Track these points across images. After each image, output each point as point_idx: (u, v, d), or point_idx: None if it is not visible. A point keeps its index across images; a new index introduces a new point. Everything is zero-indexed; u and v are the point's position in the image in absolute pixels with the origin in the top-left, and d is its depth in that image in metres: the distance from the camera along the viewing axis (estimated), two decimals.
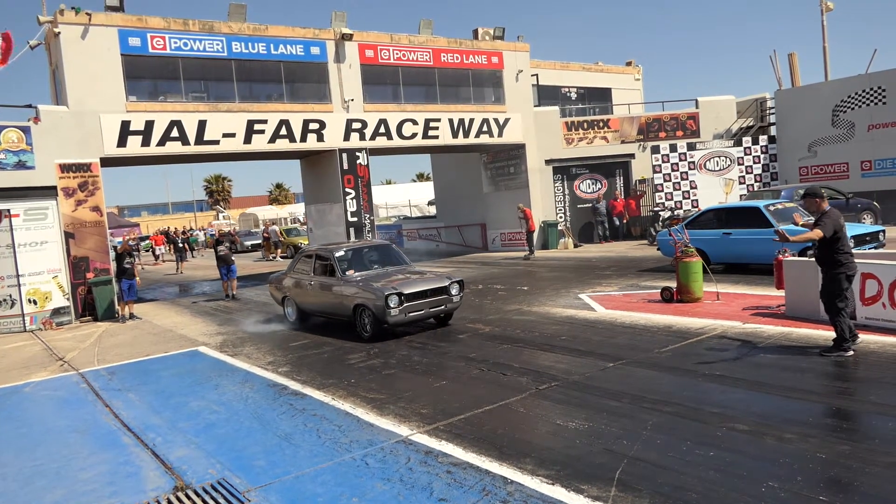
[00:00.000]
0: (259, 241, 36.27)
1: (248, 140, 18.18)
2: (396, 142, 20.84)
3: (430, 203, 37.44)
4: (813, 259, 9.49)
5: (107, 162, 16.70)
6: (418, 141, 21.28)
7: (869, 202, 18.99)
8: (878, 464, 4.57)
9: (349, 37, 19.68)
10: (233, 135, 17.96)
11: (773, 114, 24.60)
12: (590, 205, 24.49)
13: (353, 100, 19.82)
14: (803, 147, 22.94)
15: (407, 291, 10.00)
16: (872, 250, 11.79)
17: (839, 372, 6.80)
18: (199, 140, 17.48)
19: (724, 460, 4.84)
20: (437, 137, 21.55)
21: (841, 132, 22.12)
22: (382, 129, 20.43)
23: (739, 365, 7.20)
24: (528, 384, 7.20)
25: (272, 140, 18.55)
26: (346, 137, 19.77)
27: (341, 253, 11.36)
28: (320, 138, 19.34)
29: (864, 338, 7.58)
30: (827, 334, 8.03)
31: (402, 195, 45.18)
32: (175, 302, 18.08)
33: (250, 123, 18.15)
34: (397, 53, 20.82)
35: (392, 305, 9.82)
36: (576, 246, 23.54)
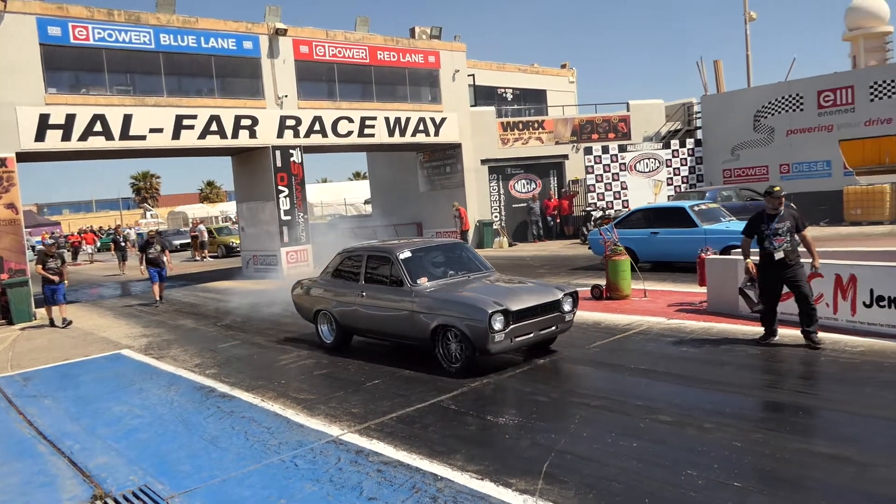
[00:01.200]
0: (189, 241, 35.20)
1: (176, 136, 17.65)
2: (332, 140, 20.62)
3: (366, 202, 37.21)
4: (730, 257, 9.90)
5: (24, 157, 15.93)
6: (354, 139, 21.11)
7: (787, 203, 19.86)
8: (789, 450, 4.79)
9: (283, 32, 19.36)
10: (160, 130, 17.39)
11: (699, 118, 25.51)
12: (525, 204, 24.83)
13: (286, 96, 19.51)
14: (727, 150, 23.85)
15: (515, 308, 7.24)
16: None
17: (757, 364, 7.10)
18: (125, 135, 16.86)
19: (647, 451, 4.98)
20: (373, 136, 21.44)
21: (762, 137, 23.11)
22: (317, 127, 20.18)
23: (663, 359, 7.43)
24: (460, 382, 7.23)
25: (202, 136, 18.07)
26: (280, 134, 19.44)
27: (407, 254, 8.39)
28: (253, 135, 18.95)
29: (783, 332, 7.93)
30: (745, 329, 8.39)
31: (338, 194, 44.74)
32: (98, 304, 17.39)
33: (179, 118, 17.62)
34: (333, 50, 20.60)
35: (497, 328, 7.05)
36: (510, 245, 23.83)
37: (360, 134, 21.13)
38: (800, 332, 7.50)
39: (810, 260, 7.51)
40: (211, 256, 30.86)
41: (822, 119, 21.72)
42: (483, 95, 27.49)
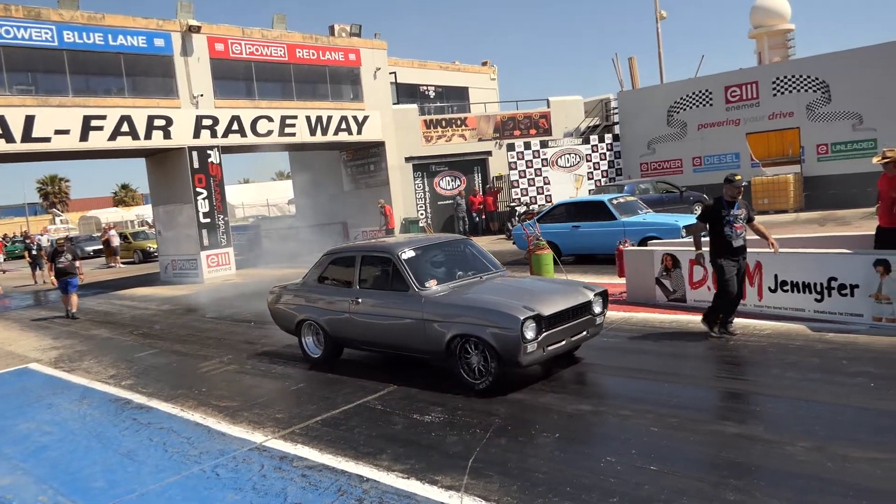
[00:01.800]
0: (101, 247, 33.61)
1: (84, 137, 16.85)
2: (251, 139, 20.15)
3: (289, 202, 36.57)
4: (646, 248, 10.24)
5: None
6: (274, 138, 20.70)
7: (700, 195, 20.70)
8: (701, 432, 5.00)
9: (197, 29, 18.77)
10: (67, 131, 16.57)
11: (616, 114, 26.25)
12: (451, 201, 24.96)
13: (202, 95, 18.93)
14: (643, 144, 24.64)
15: (548, 312, 6.28)
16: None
17: (672, 352, 7.36)
18: (27, 137, 15.97)
19: (568, 440, 5.10)
20: (294, 135, 21.08)
21: (675, 131, 23.98)
22: (236, 126, 19.68)
23: (583, 349, 7.60)
24: (386, 382, 7.20)
25: (112, 137, 17.32)
26: (197, 135, 18.85)
27: (410, 253, 7.29)
28: (167, 135, 18.30)
29: (693, 319, 8.25)
30: (663, 317, 8.69)
31: (261, 194, 43.80)
32: (4, 316, 16.42)
33: (87, 119, 16.83)
34: (250, 48, 20.12)
35: (530, 336, 6.05)
36: None
37: (281, 133, 20.73)
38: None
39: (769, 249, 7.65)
40: (126, 263, 29.59)
41: (730, 113, 22.72)
42: (405, 93, 27.48)
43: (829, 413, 5.14)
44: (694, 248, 7.91)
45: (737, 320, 7.80)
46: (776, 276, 8.18)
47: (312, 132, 21.43)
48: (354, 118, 22.53)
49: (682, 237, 12.53)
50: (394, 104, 24.64)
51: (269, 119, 20.40)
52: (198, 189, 18.82)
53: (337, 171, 25.62)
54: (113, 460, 5.74)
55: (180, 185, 19.11)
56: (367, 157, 24.39)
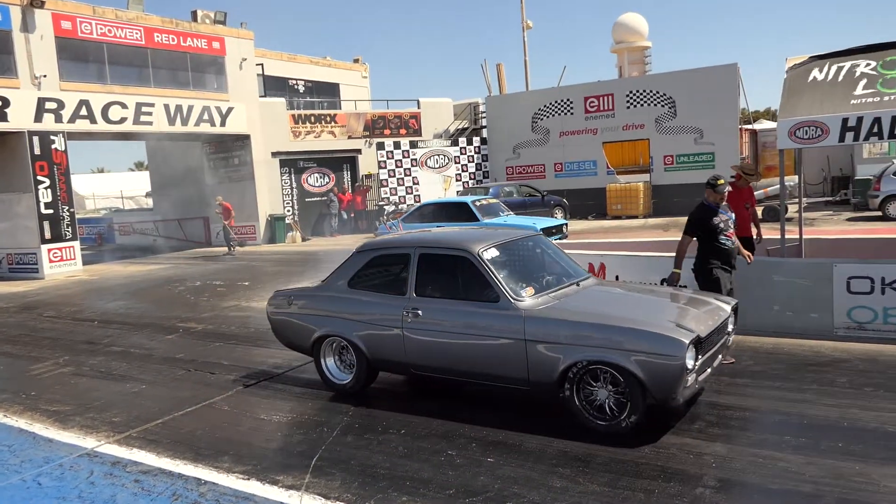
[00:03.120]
0: None
1: None
2: (102, 126, 18.84)
3: (147, 195, 34.56)
4: None
5: None
6: (129, 126, 19.48)
7: (560, 199, 21.75)
8: (537, 430, 5.25)
9: (40, 4, 17.28)
10: None
11: (484, 117, 26.98)
12: (325, 198, 24.59)
13: (45, 76, 17.47)
14: (509, 149, 25.51)
15: (704, 333, 5.01)
16: (556, 241, 13.52)
17: None
18: None
19: (413, 435, 5.19)
20: (150, 124, 19.94)
21: (539, 137, 25.02)
22: (84, 112, 18.33)
23: None
24: (236, 381, 7.01)
25: None
26: (38, 118, 17.37)
27: (493, 251, 5.71)
28: (3, 118, 16.72)
29: None
30: None
31: (115, 185, 41.08)
32: None
33: None
34: (102, 28, 18.80)
35: (691, 365, 4.73)
36: (304, 240, 23.49)
37: (136, 121, 19.54)
38: None
39: None
40: None
41: (589, 123, 24.03)
42: (273, 86, 26.76)
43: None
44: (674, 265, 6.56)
45: None
46: (617, 277, 8.74)
47: (172, 121, 20.36)
48: (218, 109, 21.65)
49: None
50: (261, 97, 23.93)
51: (123, 105, 19.17)
52: (39, 177, 17.33)
53: (199, 164, 24.50)
54: None
55: (19, 172, 17.50)
56: (232, 150, 23.52)
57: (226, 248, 20.38)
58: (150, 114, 19.80)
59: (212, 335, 9.40)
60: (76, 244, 18.26)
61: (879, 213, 16.75)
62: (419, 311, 5.64)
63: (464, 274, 5.68)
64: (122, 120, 19.20)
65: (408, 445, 5.03)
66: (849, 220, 17.52)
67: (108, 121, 18.87)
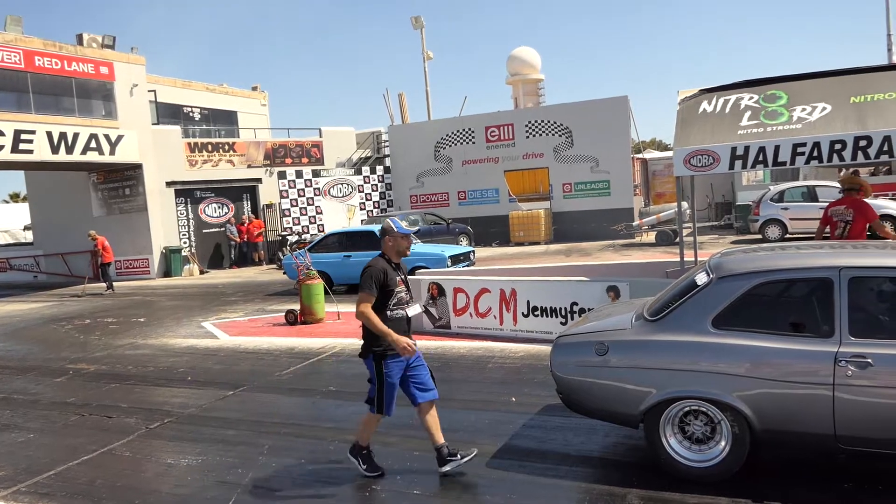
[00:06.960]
0: None
1: None
2: None
3: (26, 228, 32.19)
4: (414, 277, 10.59)
5: None
6: (6, 155, 18.14)
7: (464, 227, 22.03)
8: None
9: None
10: None
11: (387, 146, 27.06)
12: (219, 229, 23.73)
13: None
14: (413, 177, 25.66)
15: None
16: (464, 268, 13.65)
17: (440, 377, 7.62)
18: None
19: (334, 470, 5.01)
20: (31, 152, 18.64)
21: (442, 166, 25.33)
22: None
23: (352, 379, 7.58)
24: (137, 424, 6.55)
25: None
26: None
27: None
28: None
29: (456, 344, 8.66)
30: (429, 343, 9.00)
31: None
32: None
33: None
34: None
35: None
36: (202, 272, 22.56)
37: (15, 150, 18.23)
38: (482, 343, 8.21)
39: None
40: None
41: (490, 152, 24.59)
42: (167, 114, 25.74)
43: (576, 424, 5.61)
44: None
45: (493, 345, 8.32)
46: (528, 301, 8.90)
47: (55, 150, 19.13)
48: (107, 137, 20.54)
49: (448, 266, 13.18)
50: (154, 124, 22.94)
51: (0, 133, 17.87)
52: None
53: (85, 195, 23.08)
54: None
55: None
56: (122, 179, 22.33)
57: (104, 286, 19.00)
58: (30, 142, 18.53)
59: (106, 376, 8.79)
60: None
61: (760, 237, 17.98)
62: (869, 361, 4.01)
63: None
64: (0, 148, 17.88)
65: (328, 480, 4.84)
66: (733, 242, 18.71)
67: None
